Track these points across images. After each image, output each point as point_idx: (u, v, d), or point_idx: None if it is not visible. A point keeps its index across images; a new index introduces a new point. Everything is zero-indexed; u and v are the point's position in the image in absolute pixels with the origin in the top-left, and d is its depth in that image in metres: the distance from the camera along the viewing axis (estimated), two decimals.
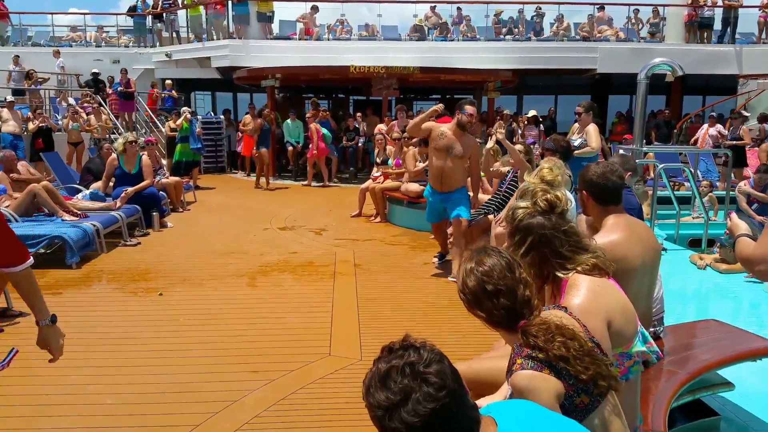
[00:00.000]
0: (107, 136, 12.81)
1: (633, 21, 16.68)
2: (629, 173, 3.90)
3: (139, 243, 7.04)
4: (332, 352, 3.95)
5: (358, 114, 14.58)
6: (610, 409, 1.61)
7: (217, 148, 15.05)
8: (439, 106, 5.78)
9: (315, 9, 15.98)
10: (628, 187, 3.63)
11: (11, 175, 7.22)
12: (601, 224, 2.72)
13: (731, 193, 8.34)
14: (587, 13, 16.43)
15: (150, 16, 17.35)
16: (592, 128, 6.24)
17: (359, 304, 4.95)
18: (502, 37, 16.32)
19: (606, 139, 14.63)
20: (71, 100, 13.70)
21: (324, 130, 12.50)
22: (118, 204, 7.40)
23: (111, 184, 8.06)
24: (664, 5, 16.42)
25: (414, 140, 8.83)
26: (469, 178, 5.92)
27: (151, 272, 5.88)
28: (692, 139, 12.66)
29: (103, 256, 6.39)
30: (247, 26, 15.39)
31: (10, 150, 8.40)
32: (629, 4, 16.66)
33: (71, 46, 17.92)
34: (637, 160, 6.70)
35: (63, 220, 6.54)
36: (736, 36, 16.00)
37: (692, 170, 8.51)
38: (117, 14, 20.87)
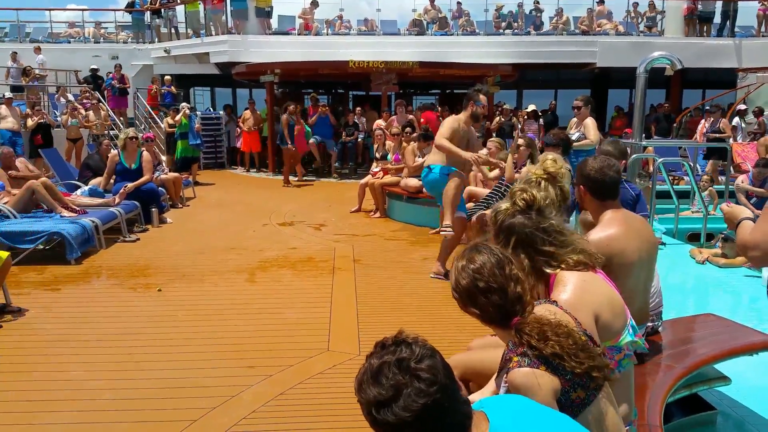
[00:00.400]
0: (106, 132, 12.80)
1: (632, 15, 16.64)
2: (623, 162, 3.91)
3: (138, 239, 7.05)
4: (331, 348, 3.96)
5: (358, 109, 14.56)
6: (605, 403, 1.62)
7: (216, 144, 15.05)
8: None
9: (315, 4, 15.95)
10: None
11: (9, 171, 7.22)
12: (598, 219, 2.72)
13: (730, 187, 8.32)
14: (586, 6, 16.40)
15: (148, 12, 17.31)
16: (590, 121, 6.24)
17: (358, 299, 4.95)
18: (501, 31, 16.28)
19: (605, 134, 14.65)
20: (70, 97, 13.68)
21: (307, 127, 12.46)
22: (117, 200, 7.40)
23: (111, 180, 8.07)
24: None
25: (413, 135, 8.83)
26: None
27: (150, 268, 5.88)
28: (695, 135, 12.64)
29: (102, 252, 6.40)
30: (245, 21, 15.35)
31: (9, 147, 8.40)
32: None
33: (69, 42, 17.91)
34: (636, 155, 6.72)
35: (62, 216, 6.54)
36: (736, 29, 15.96)
37: (691, 164, 8.50)
38: (115, 10, 20.87)
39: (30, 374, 3.57)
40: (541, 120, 13.82)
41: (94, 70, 15.51)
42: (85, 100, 13.36)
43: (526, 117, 13.58)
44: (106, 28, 19.06)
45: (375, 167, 9.48)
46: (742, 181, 8.52)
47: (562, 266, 1.93)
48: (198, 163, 12.68)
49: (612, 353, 1.90)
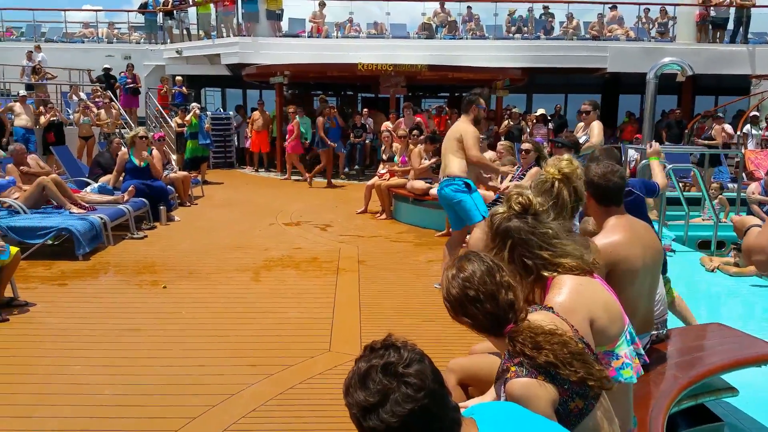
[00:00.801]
0: (117, 131, 12.90)
1: (644, 20, 16.54)
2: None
3: (146, 236, 7.09)
4: (332, 348, 3.95)
5: (365, 110, 14.58)
6: (602, 413, 1.60)
7: (226, 144, 15.13)
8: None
9: (322, 4, 15.99)
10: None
11: (21, 168, 7.28)
12: (601, 225, 2.69)
13: (742, 195, 8.24)
14: (597, 12, 16.31)
15: (161, 13, 17.44)
16: (596, 124, 6.19)
17: (361, 300, 4.94)
18: (511, 35, 16.24)
19: (616, 139, 14.56)
20: (82, 95, 13.81)
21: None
22: (126, 197, 7.45)
23: (120, 178, 8.13)
24: (675, 4, 16.26)
25: (420, 138, 8.82)
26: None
27: (156, 265, 5.91)
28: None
29: (110, 249, 6.44)
30: (256, 24, 15.42)
31: (21, 143, 8.50)
32: (640, 3, 16.52)
33: (83, 42, 18.07)
34: (645, 161, 6.66)
35: (71, 212, 6.59)
36: (749, 36, 15.81)
37: (702, 171, 8.42)
38: (128, 11, 21.00)
39: (32, 367, 3.59)
40: (550, 124, 13.76)
41: (106, 70, 15.64)
42: (97, 99, 13.47)
43: (534, 121, 13.52)
44: (120, 28, 19.20)
45: (382, 169, 9.48)
46: (753, 191, 8.42)
47: (559, 270, 1.92)
48: (207, 163, 12.76)
49: (608, 359, 1.88)
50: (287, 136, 12.62)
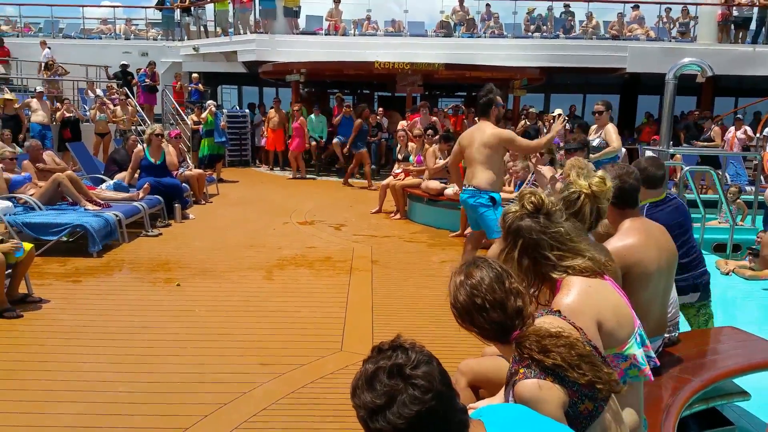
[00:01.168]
0: (133, 127, 13.01)
1: (664, 20, 16.33)
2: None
3: (161, 234, 7.14)
4: (344, 348, 3.95)
5: (380, 109, 14.55)
6: (611, 416, 1.58)
7: (241, 142, 15.17)
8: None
9: (338, 1, 15.97)
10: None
11: (37, 164, 7.37)
12: (617, 228, 2.67)
13: (760, 197, 8.10)
14: (617, 11, 16.14)
15: (178, 10, 17.56)
16: (611, 127, 6.14)
17: (374, 300, 4.94)
18: (530, 34, 16.12)
19: (634, 140, 14.40)
20: (99, 92, 13.94)
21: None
22: (141, 195, 7.50)
23: (136, 175, 8.20)
24: (696, 4, 16.03)
25: (435, 137, 8.79)
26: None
27: (170, 263, 5.95)
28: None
29: (124, 246, 6.49)
30: (273, 21, 15.46)
31: (37, 140, 8.59)
32: (661, 3, 16.31)
33: (101, 38, 18.25)
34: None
35: (86, 209, 6.66)
36: None
37: (719, 173, 8.29)
38: (146, 7, 21.21)
39: (46, 363, 3.63)
40: (567, 125, 13.64)
41: (124, 66, 15.77)
42: (113, 96, 13.59)
43: (552, 121, 13.41)
44: (137, 25, 19.36)
45: (397, 168, 9.47)
46: None
47: (569, 271, 1.90)
48: (223, 161, 12.82)
49: (617, 361, 1.86)
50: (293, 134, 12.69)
